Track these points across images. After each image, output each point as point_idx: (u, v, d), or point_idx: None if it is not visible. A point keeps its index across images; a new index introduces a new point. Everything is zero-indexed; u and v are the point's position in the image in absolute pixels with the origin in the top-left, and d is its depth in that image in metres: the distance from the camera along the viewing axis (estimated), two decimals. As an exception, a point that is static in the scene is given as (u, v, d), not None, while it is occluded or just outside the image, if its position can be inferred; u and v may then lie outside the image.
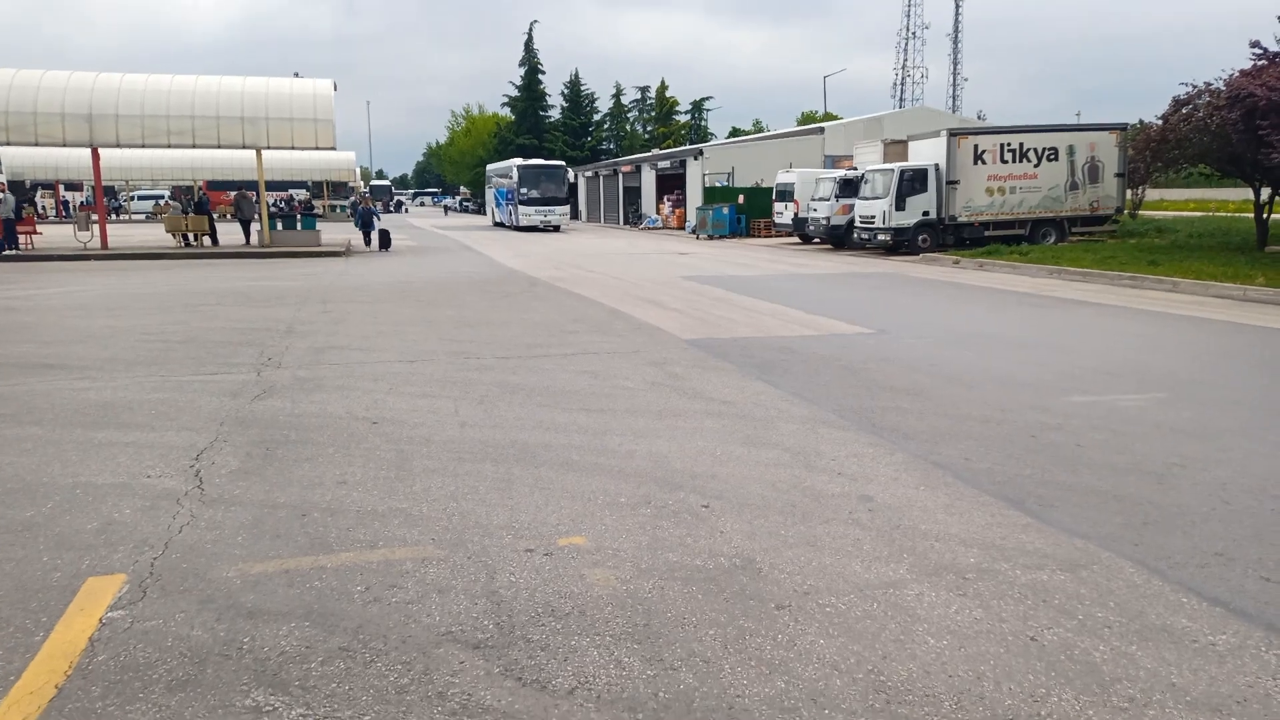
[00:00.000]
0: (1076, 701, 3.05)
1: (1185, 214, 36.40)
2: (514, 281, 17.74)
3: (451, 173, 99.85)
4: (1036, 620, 3.62)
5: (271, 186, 46.72)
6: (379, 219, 30.34)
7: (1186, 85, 21.13)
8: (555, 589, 3.91)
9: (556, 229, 42.49)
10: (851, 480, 5.37)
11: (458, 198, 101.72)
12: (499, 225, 48.11)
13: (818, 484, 5.30)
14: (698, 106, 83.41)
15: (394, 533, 4.55)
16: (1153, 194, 38.08)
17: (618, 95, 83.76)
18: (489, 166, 55.01)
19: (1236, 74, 17.73)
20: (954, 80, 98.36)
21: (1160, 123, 22.14)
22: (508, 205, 45.12)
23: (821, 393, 7.68)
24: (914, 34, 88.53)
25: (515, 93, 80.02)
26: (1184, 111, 20.99)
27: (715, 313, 12.86)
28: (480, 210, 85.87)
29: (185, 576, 4.05)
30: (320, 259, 24.43)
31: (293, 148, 25.63)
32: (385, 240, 28.39)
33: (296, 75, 27.78)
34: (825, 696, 3.08)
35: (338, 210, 59.72)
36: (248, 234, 28.90)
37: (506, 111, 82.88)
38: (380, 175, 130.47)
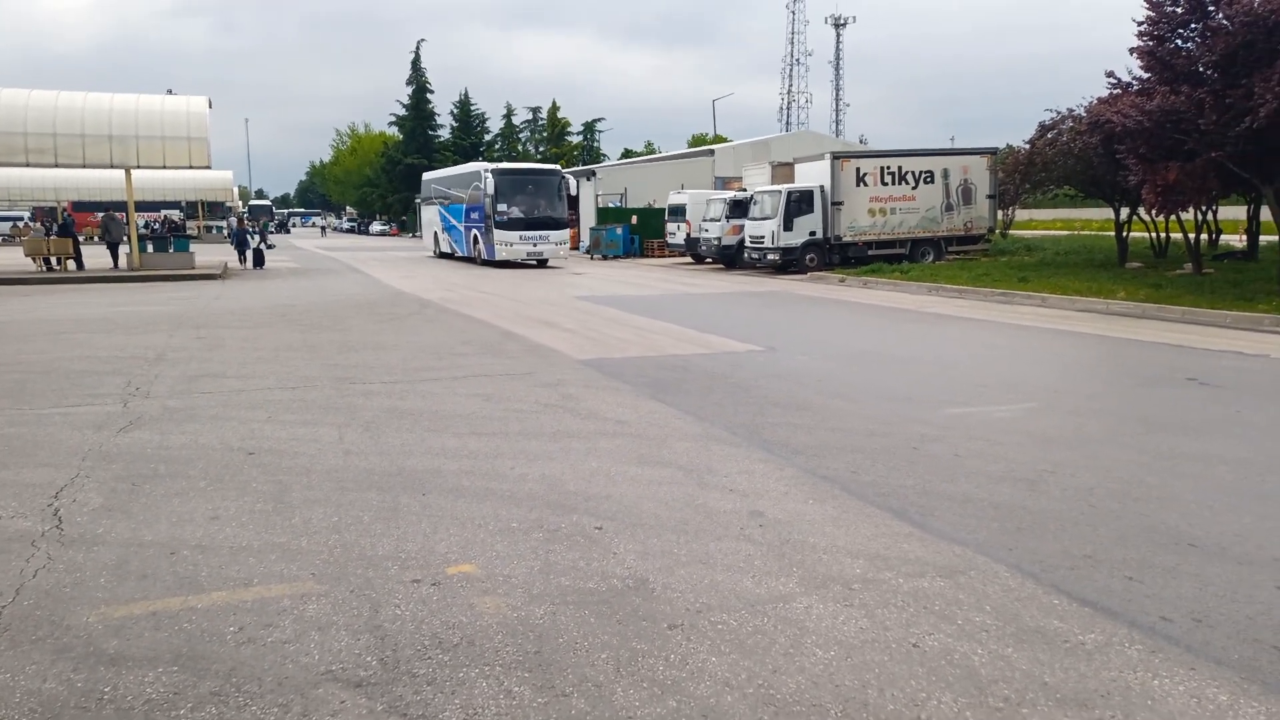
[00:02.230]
0: (955, 704, 3.14)
1: (1052, 233, 38.62)
2: (402, 303, 17.36)
3: (337, 192, 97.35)
4: (918, 627, 3.71)
5: (143, 207, 44.51)
6: (254, 237, 30.36)
7: (1051, 111, 22.47)
8: (443, 620, 3.79)
9: (544, 263, 29.61)
10: (743, 496, 5.43)
11: (344, 217, 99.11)
12: (445, 256, 34.87)
13: (710, 501, 5.33)
14: (590, 128, 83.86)
15: (271, 568, 4.34)
16: (1022, 214, 40.31)
17: (509, 116, 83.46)
18: (429, 176, 39.09)
19: (1095, 101, 18.94)
20: (837, 106, 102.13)
21: (1028, 147, 23.50)
22: (469, 229, 31.26)
23: (714, 410, 7.76)
24: (798, 61, 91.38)
25: (403, 112, 78.81)
26: (1049, 136, 22.33)
27: (609, 333, 12.88)
28: (365, 230, 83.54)
29: (39, 624, 3.76)
30: (195, 282, 23.37)
31: (165, 167, 24.49)
32: (259, 259, 29.33)
33: (170, 92, 26.62)
34: (716, 713, 3.08)
35: (214, 231, 57.35)
36: (116, 257, 27.42)
37: (394, 131, 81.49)
38: (260, 195, 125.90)
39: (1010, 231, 34.87)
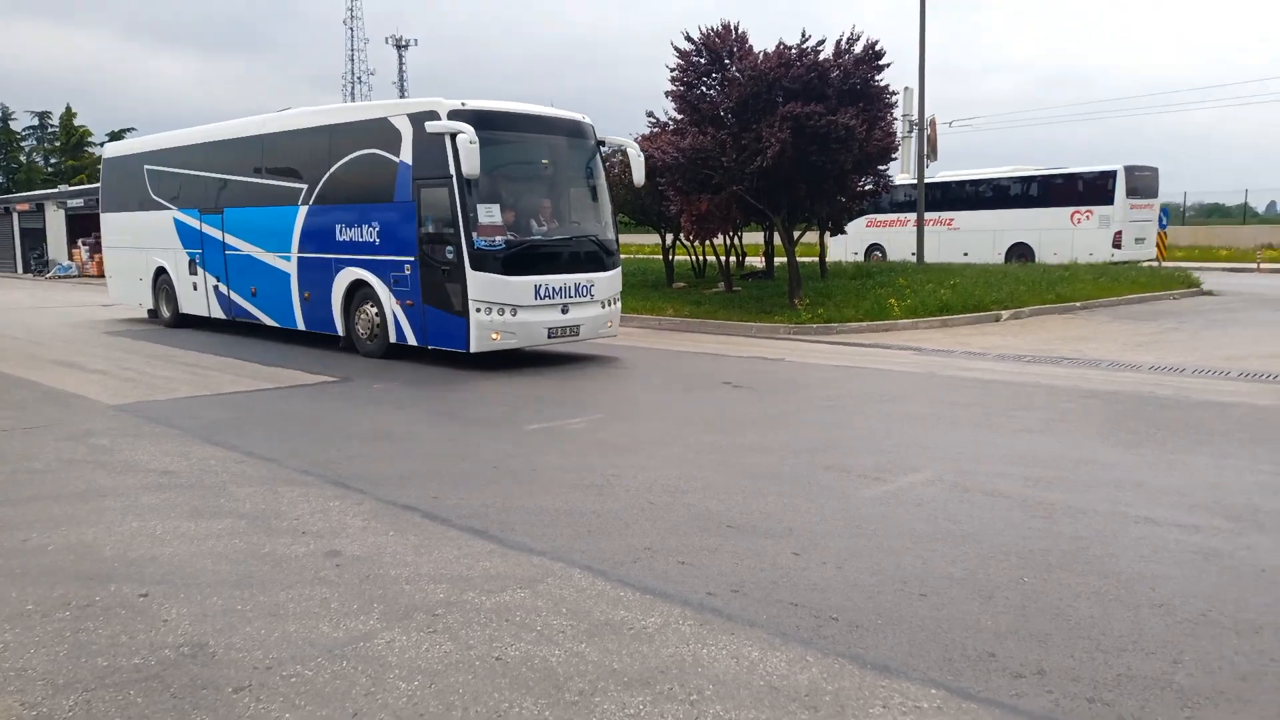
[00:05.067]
0: (535, 706, 3.24)
1: (609, 259, 42.10)
2: None
3: None
4: (501, 640, 3.78)
5: None
6: None
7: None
8: (-75, 739, 3.04)
9: (575, 331, 11.74)
10: (318, 537, 5.12)
11: None
12: (188, 323, 16.59)
13: (279, 548, 4.94)
14: (117, 138, 73.79)
15: None
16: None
17: (5, 120, 70.41)
18: (131, 148, 18.72)
19: (640, 138, 21.08)
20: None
21: (585, 178, 25.34)
22: (346, 265, 12.51)
23: (283, 448, 7.23)
24: (360, 79, 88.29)
25: None
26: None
27: (153, 372, 11.41)
28: None
29: None
30: None
31: None
32: None
33: None
34: (291, 776, 2.84)
35: None
36: None
37: None
38: None
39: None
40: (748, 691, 3.35)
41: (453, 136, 10.48)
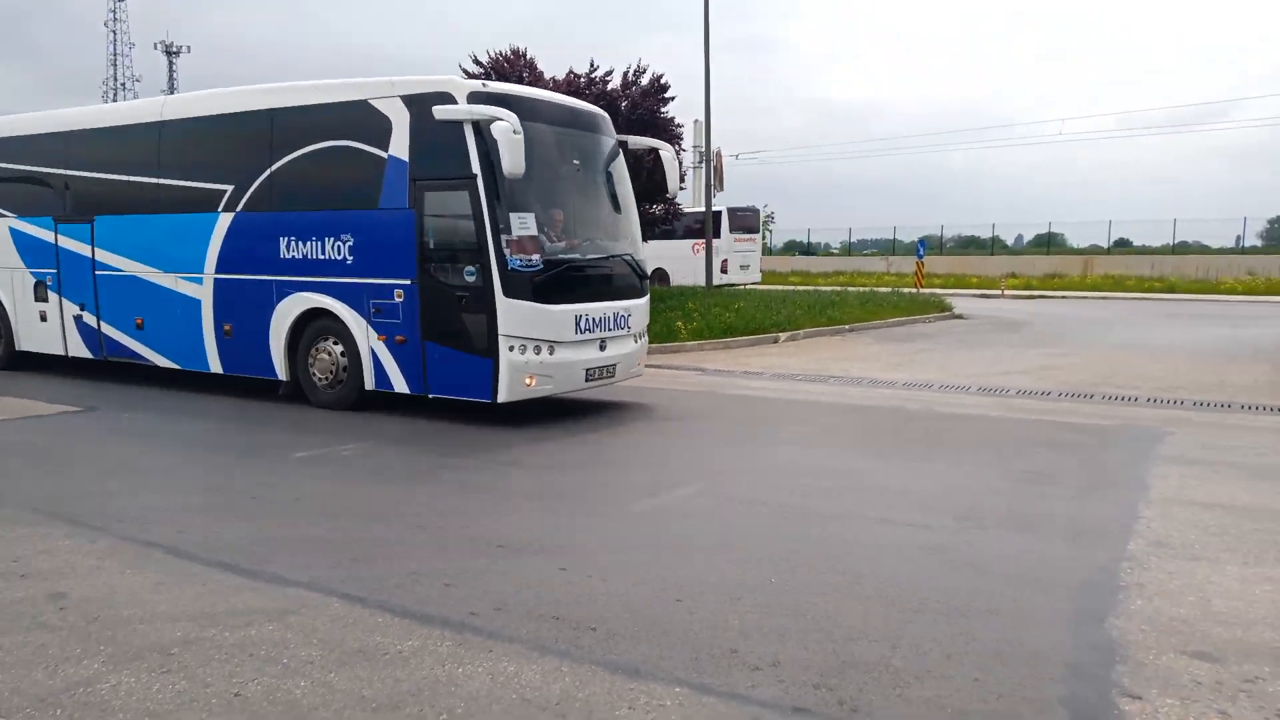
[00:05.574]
0: (271, 744, 3.09)
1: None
2: None
3: None
4: (241, 676, 3.58)
5: None
6: None
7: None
8: None
9: (611, 372, 9.60)
10: (41, 580, 4.65)
11: None
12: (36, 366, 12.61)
13: (-8, 593, 4.44)
14: None
15: None
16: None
17: None
18: None
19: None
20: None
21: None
22: (281, 289, 9.79)
23: (7, 485, 6.52)
24: (124, 86, 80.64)
25: None
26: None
27: None
28: None
29: None
30: None
31: None
32: None
33: None
34: (-26, 843, 2.55)
35: None
36: None
37: None
38: None
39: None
40: (499, 706, 3.36)
41: (478, 126, 8.24)
